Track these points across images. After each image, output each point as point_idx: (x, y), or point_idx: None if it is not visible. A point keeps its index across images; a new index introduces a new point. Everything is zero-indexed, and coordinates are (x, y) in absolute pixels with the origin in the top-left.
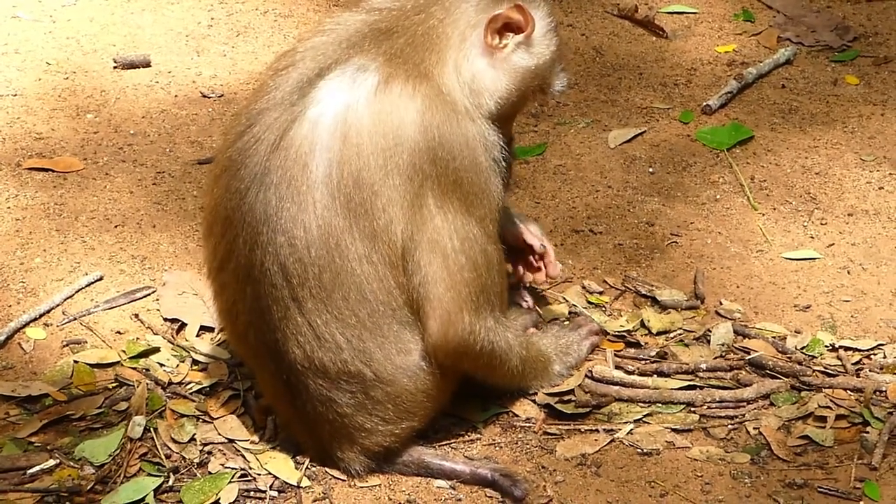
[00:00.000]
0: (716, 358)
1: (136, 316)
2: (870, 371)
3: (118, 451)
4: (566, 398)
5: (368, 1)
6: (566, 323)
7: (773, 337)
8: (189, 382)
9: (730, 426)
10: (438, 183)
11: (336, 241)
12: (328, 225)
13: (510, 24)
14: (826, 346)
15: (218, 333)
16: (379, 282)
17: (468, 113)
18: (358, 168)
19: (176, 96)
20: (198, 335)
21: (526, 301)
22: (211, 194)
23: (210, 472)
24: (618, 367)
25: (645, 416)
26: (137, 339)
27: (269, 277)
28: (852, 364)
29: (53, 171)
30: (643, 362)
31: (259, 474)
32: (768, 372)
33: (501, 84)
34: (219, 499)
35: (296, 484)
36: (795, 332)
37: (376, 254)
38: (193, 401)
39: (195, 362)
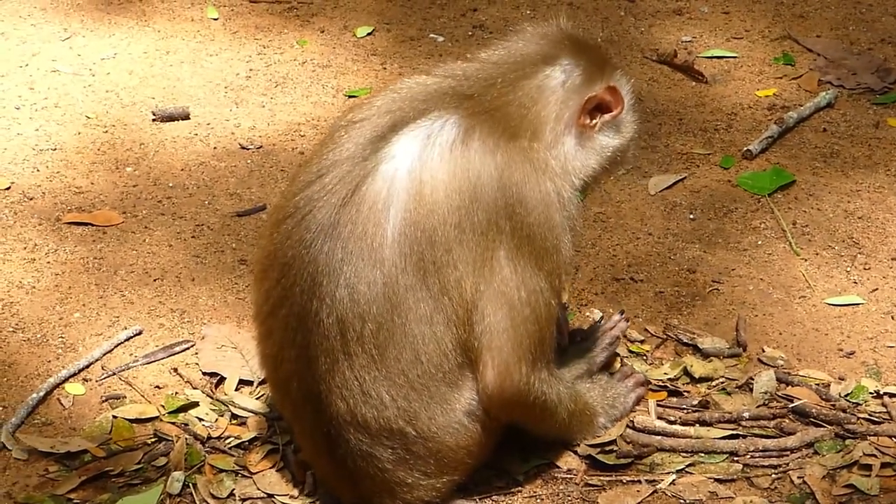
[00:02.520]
0: (759, 406)
1: (175, 370)
2: None
3: None
4: (608, 449)
5: (450, 66)
6: (615, 375)
7: (817, 384)
8: (228, 437)
9: (774, 475)
10: (512, 237)
11: (400, 299)
12: (395, 283)
13: (601, 105)
14: (870, 393)
15: (257, 387)
16: (435, 344)
17: (547, 170)
18: (433, 226)
19: (215, 148)
20: (237, 389)
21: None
22: (270, 238)
23: None
24: (660, 417)
25: (687, 466)
26: (176, 393)
27: (322, 328)
28: None
29: (93, 224)
30: (685, 411)
31: None
32: (812, 420)
33: (590, 163)
34: None
35: None
36: (839, 378)
37: (439, 314)
38: (232, 455)
39: (234, 416)
